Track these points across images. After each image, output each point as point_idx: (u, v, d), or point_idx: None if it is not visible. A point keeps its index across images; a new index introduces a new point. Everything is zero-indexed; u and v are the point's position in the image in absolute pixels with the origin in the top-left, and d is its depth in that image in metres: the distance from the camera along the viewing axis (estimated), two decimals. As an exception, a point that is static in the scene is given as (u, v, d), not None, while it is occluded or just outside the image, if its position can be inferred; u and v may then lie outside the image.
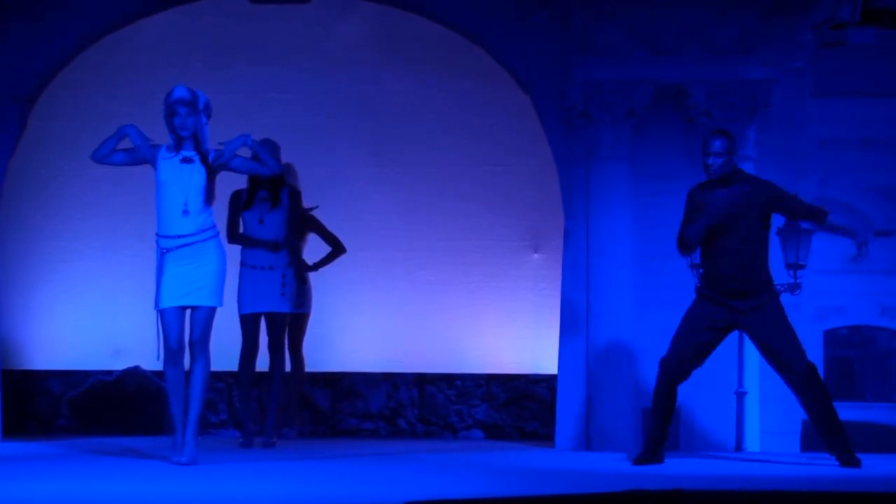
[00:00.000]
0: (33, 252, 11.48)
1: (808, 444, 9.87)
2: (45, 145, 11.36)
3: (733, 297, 7.97)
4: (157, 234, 7.65)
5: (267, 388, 9.65)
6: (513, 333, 10.50)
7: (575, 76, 9.98)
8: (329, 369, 11.48)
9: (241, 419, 9.88)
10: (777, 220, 8.74)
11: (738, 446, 9.73)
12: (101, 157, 7.62)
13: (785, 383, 8.19)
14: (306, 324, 10.36)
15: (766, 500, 5.71)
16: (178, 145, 7.61)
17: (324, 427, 11.41)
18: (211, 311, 7.66)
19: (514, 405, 11.16)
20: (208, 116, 7.64)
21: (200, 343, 7.65)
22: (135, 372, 11.29)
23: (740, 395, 9.78)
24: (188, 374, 7.71)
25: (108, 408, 11.11)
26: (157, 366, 10.88)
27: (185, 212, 7.55)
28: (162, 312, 7.61)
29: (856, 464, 7.86)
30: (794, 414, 9.64)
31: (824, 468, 7.86)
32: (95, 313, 11.37)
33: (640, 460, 8.09)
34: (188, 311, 7.66)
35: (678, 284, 9.63)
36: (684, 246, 8.08)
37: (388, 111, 11.59)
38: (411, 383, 11.45)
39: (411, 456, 8.75)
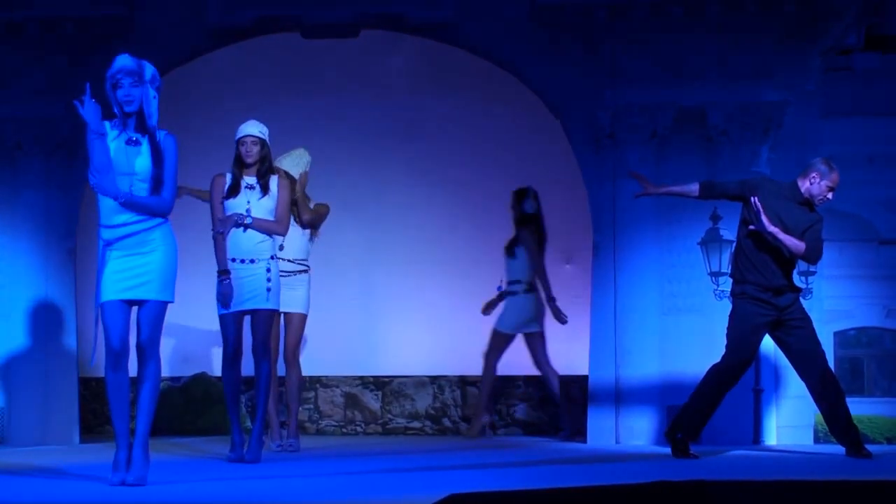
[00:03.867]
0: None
1: (820, 438, 9.88)
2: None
3: (778, 294, 8.03)
4: (99, 225, 6.25)
5: (280, 394, 8.85)
6: (547, 338, 10.50)
7: (603, 101, 10.06)
8: (379, 373, 11.59)
9: (230, 430, 8.00)
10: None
11: (756, 440, 9.74)
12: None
13: (802, 380, 8.18)
14: (303, 326, 8.90)
15: (782, 487, 5.62)
16: (123, 122, 6.22)
17: (374, 426, 11.50)
18: (160, 308, 6.22)
19: (549, 404, 11.12)
20: (157, 90, 6.24)
21: (149, 345, 6.18)
22: (201, 378, 11.42)
23: (757, 393, 9.79)
24: (135, 382, 6.23)
25: (176, 410, 11.14)
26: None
27: None
28: (103, 307, 6.15)
29: (866, 455, 7.88)
30: (807, 410, 9.69)
31: (836, 459, 7.86)
32: (167, 324, 11.39)
33: (685, 440, 8.05)
34: (134, 309, 6.23)
35: (697, 291, 9.78)
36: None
37: (431, 135, 11.69)
38: (455, 385, 11.51)
39: (454, 451, 8.75)
